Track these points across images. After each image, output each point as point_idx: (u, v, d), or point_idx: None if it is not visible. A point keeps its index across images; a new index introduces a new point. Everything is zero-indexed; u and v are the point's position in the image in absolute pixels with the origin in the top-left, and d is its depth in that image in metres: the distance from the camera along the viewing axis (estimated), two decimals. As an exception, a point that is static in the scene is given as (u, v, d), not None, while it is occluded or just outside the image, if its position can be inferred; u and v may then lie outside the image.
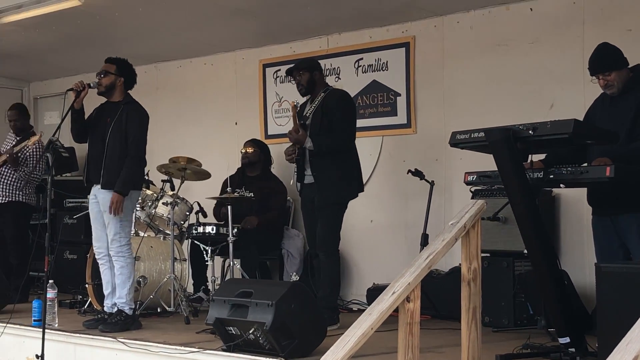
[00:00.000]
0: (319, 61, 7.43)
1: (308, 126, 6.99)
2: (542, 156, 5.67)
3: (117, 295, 6.95)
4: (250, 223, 8.31)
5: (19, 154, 8.63)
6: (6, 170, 8.79)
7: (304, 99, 7.24)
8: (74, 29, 9.06)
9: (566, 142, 5.15)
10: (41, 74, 11.55)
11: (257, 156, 8.70)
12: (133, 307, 7.02)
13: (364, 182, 8.40)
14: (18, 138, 8.94)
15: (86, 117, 7.12)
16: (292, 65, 7.28)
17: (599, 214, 5.73)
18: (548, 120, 5.03)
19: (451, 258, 7.27)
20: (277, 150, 9.14)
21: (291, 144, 7.06)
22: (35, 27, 9.02)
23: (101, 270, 7.09)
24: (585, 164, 5.42)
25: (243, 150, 8.68)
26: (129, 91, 7.17)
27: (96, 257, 7.15)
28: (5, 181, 8.81)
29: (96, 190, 6.95)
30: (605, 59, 5.57)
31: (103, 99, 7.16)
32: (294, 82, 7.26)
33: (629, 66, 5.62)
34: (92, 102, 7.18)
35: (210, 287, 8.05)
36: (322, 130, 6.91)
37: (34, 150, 8.70)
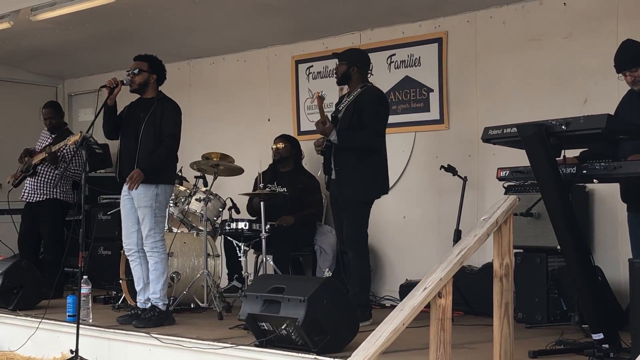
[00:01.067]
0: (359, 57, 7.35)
1: (338, 120, 6.98)
2: (577, 153, 5.64)
3: (150, 290, 6.99)
4: (286, 221, 8.33)
5: (58, 153, 8.69)
6: (43, 168, 8.86)
7: (342, 92, 7.26)
8: (107, 26, 9.12)
9: (599, 137, 5.11)
10: (75, 71, 11.64)
11: (288, 151, 8.71)
12: (167, 302, 7.06)
13: (397, 178, 8.45)
14: (53, 136, 9.00)
15: (118, 114, 7.18)
16: (343, 51, 7.27)
17: (634, 210, 5.68)
18: (581, 115, 5.00)
19: (484, 254, 7.24)
20: (310, 146, 9.16)
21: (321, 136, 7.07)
22: (69, 24, 9.09)
23: (132, 266, 7.14)
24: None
25: (274, 147, 8.70)
26: (160, 87, 7.21)
27: (126, 253, 7.20)
28: (42, 179, 8.88)
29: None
30: (629, 56, 5.55)
31: (134, 96, 7.21)
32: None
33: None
34: (125, 99, 7.22)
35: (244, 276, 8.05)
36: (351, 125, 6.89)
37: (73, 147, 8.75)
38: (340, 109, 7.08)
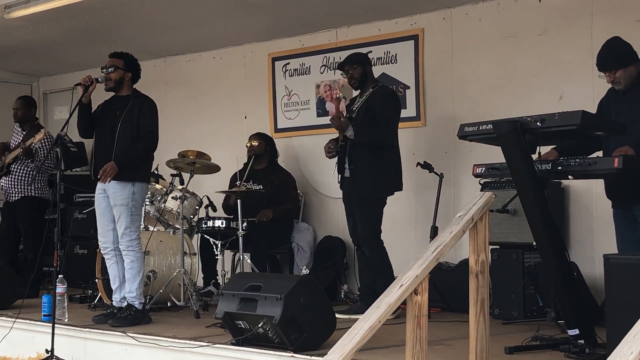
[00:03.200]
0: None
1: (353, 120, 7.10)
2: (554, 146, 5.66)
3: (126, 289, 6.96)
4: (266, 216, 8.32)
5: (32, 147, 8.66)
6: (16, 166, 8.82)
7: (355, 93, 7.33)
8: (82, 23, 9.07)
9: (574, 134, 5.15)
10: (50, 69, 11.56)
11: (263, 149, 8.68)
12: (143, 301, 7.03)
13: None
14: (24, 133, 8.95)
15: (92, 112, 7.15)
16: (343, 60, 7.38)
17: (617, 206, 5.71)
18: (556, 112, 5.02)
19: (461, 250, 7.27)
20: (287, 144, 9.16)
21: (329, 140, 7.17)
22: (43, 21, 9.04)
23: (108, 265, 7.11)
24: (597, 155, 5.41)
25: (248, 145, 8.67)
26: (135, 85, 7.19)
27: (102, 252, 7.17)
28: (17, 177, 8.85)
29: (105, 184, 6.94)
30: (610, 57, 5.57)
31: (108, 95, 7.17)
32: (345, 76, 7.37)
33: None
34: (99, 97, 7.18)
35: (220, 281, 8.06)
36: (365, 123, 7.01)
37: (42, 143, 8.71)
38: (354, 109, 7.19)
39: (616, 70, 5.52)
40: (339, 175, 7.22)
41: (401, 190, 7.32)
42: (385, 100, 7.14)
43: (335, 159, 7.20)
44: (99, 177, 6.86)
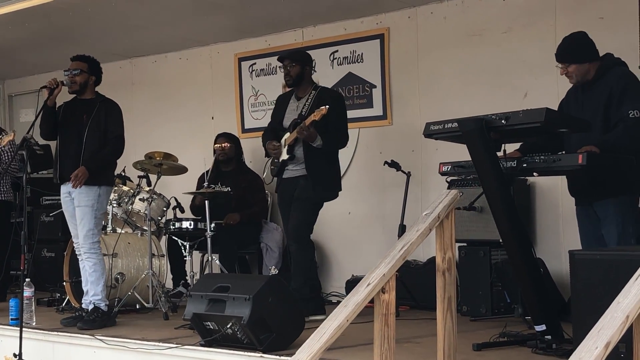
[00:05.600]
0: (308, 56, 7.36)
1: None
2: (518, 146, 5.70)
3: (91, 292, 6.93)
4: (233, 219, 8.29)
5: None
6: (-21, 170, 8.75)
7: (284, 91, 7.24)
8: (46, 25, 9.01)
9: (539, 131, 5.18)
10: (15, 72, 11.48)
11: (233, 151, 8.67)
12: (108, 303, 7.02)
13: (342, 174, 8.43)
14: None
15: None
16: (286, 51, 7.26)
17: (579, 203, 5.76)
18: (520, 110, 5.05)
19: (429, 248, 7.29)
20: (254, 144, 9.13)
21: (270, 142, 7.08)
22: (7, 24, 8.96)
23: (81, 266, 7.08)
24: (562, 152, 5.45)
25: (218, 146, 8.64)
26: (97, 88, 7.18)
27: (76, 252, 7.12)
28: (-20, 180, 8.77)
29: (70, 187, 6.91)
30: (568, 50, 5.62)
31: (69, 96, 7.16)
32: (281, 69, 7.21)
33: (601, 55, 5.66)
34: (59, 98, 7.14)
35: (189, 281, 8.03)
36: (319, 128, 6.82)
37: (8, 147, 8.63)
38: (303, 113, 6.99)
39: (570, 64, 5.58)
40: (273, 178, 7.16)
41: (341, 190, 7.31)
42: (339, 106, 7.01)
43: (267, 161, 7.14)
44: (72, 184, 6.82)
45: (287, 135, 7.02)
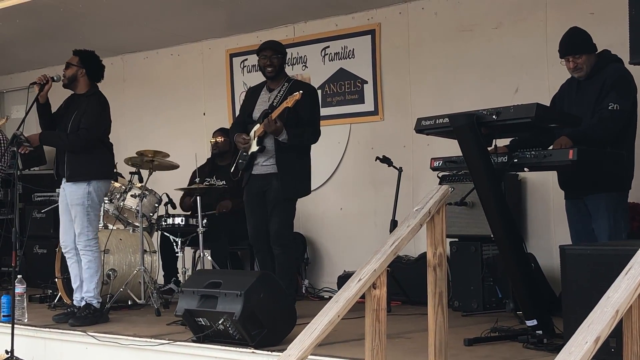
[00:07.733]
0: (286, 50, 7.36)
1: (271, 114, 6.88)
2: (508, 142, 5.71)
3: (84, 289, 6.93)
4: (225, 207, 8.30)
5: None
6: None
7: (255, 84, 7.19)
8: (37, 21, 8.99)
9: (529, 126, 5.19)
10: (6, 68, 11.44)
11: (227, 145, 8.65)
12: (100, 300, 7.02)
13: (334, 170, 8.53)
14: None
15: (55, 110, 7.11)
16: (270, 41, 7.16)
17: (569, 197, 5.77)
18: (511, 105, 5.06)
19: (420, 243, 7.27)
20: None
21: (238, 135, 6.95)
22: (-1, 20, 8.97)
23: (69, 264, 7.07)
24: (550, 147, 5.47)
25: (213, 140, 8.63)
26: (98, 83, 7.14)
27: (63, 251, 7.13)
28: (-33, 177, 8.77)
29: (63, 183, 6.92)
30: (577, 41, 5.65)
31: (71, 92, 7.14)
32: (261, 60, 7.01)
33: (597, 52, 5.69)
34: (62, 95, 7.14)
35: (181, 278, 8.03)
36: (289, 122, 6.72)
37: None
38: (274, 104, 6.86)
39: (581, 54, 5.60)
40: (240, 172, 7.04)
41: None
42: (312, 101, 6.93)
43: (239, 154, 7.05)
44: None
45: (257, 127, 6.87)
